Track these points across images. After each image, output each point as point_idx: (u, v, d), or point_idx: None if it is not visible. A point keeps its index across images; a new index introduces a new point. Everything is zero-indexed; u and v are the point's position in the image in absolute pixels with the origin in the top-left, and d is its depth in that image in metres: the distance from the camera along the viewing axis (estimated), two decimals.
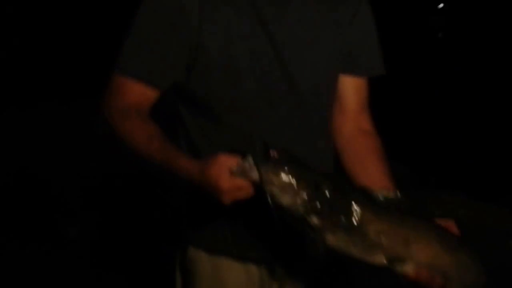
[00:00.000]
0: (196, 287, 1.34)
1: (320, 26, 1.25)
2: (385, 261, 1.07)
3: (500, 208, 3.00)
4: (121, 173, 4.11)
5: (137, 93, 1.23)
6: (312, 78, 1.25)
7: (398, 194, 1.12)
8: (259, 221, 1.22)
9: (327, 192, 1.04)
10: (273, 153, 1.04)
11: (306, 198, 1.02)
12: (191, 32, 1.19)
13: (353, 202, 1.06)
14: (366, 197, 1.09)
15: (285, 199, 1.03)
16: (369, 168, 1.28)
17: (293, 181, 1.03)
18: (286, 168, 1.04)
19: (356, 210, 1.05)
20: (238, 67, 1.21)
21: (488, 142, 4.45)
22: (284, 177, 1.03)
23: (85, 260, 3.01)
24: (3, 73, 7.25)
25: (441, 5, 10.79)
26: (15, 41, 7.88)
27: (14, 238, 3.31)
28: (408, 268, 1.08)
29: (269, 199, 1.03)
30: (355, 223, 1.04)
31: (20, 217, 3.60)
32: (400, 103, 5.58)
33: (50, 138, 5.18)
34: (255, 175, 1.03)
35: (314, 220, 1.03)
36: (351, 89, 1.32)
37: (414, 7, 10.04)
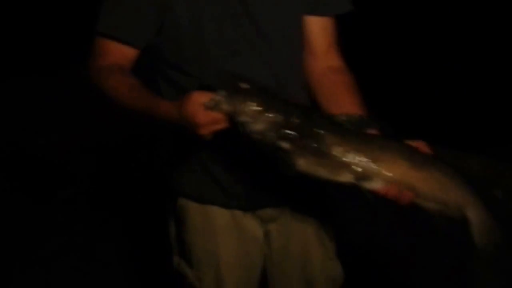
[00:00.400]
0: (188, 234, 1.44)
1: None
2: (352, 180, 1.13)
3: (485, 158, 3.05)
4: (110, 137, 4.15)
5: (117, 52, 1.33)
6: (279, 22, 1.31)
7: (363, 117, 1.18)
8: (242, 167, 1.32)
9: (296, 119, 1.10)
10: (243, 85, 1.10)
11: (277, 125, 1.08)
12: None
13: (320, 126, 1.12)
14: (333, 122, 1.16)
15: (257, 127, 1.09)
16: (341, 101, 1.33)
17: (264, 109, 1.08)
18: (256, 97, 1.10)
19: (323, 134, 1.11)
20: (208, 23, 1.28)
21: (472, 96, 4.51)
22: (255, 106, 1.09)
23: (79, 219, 3.07)
24: None
25: None
26: None
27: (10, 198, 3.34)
28: (375, 185, 1.14)
29: (241, 127, 1.10)
30: (323, 145, 1.10)
31: (14, 180, 3.64)
32: (384, 60, 5.60)
33: (36, 108, 5.19)
34: (227, 106, 1.09)
35: (285, 145, 1.09)
36: (318, 29, 1.37)
37: None
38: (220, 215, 1.42)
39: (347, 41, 1.45)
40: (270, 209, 1.44)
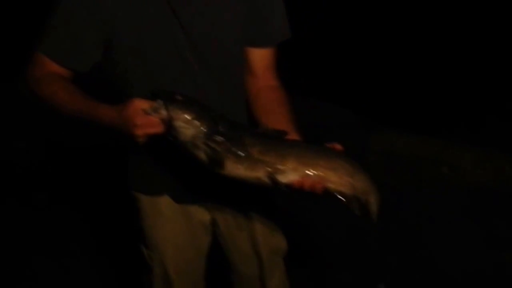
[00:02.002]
0: (142, 222, 1.61)
1: (224, 6, 1.41)
2: (267, 175, 1.27)
3: (435, 139, 3.26)
4: (80, 141, 4.19)
5: (56, 68, 1.40)
6: (218, 51, 1.43)
7: (278, 131, 1.33)
8: (180, 164, 1.42)
9: (221, 126, 1.26)
10: (178, 97, 1.25)
11: (205, 131, 1.24)
12: (105, 20, 1.35)
13: (241, 132, 1.29)
14: (253, 131, 1.33)
15: (189, 132, 1.24)
16: (274, 115, 1.45)
17: (195, 117, 1.24)
18: (189, 107, 1.25)
19: (243, 138, 1.27)
20: (148, 48, 1.38)
21: (428, 83, 4.72)
22: (188, 114, 1.24)
23: (53, 222, 3.16)
24: None
25: None
26: None
27: None
28: (287, 178, 1.27)
29: (175, 132, 1.24)
30: (242, 147, 1.26)
31: None
32: (352, 52, 5.75)
33: (9, 112, 5.18)
34: (164, 112, 1.23)
35: (212, 147, 1.25)
36: (258, 55, 1.50)
37: None
38: (167, 204, 1.56)
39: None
40: (210, 199, 1.58)
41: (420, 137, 3.36)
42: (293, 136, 1.39)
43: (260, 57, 1.51)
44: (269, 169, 1.27)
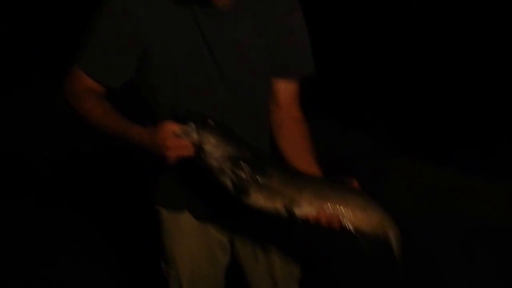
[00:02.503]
0: (163, 235, 1.64)
1: (252, 36, 1.44)
2: (284, 206, 1.31)
3: (455, 170, 3.26)
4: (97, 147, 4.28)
5: (93, 84, 1.46)
6: (244, 77, 1.47)
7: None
8: (205, 185, 1.46)
9: (248, 153, 1.31)
10: (210, 122, 1.30)
11: (233, 157, 1.29)
12: (138, 39, 1.40)
13: (264, 162, 1.33)
14: (275, 160, 1.39)
15: (217, 156, 1.29)
16: (296, 146, 1.51)
17: (224, 142, 1.29)
18: (219, 132, 1.30)
19: (266, 167, 1.32)
20: (179, 72, 1.42)
21: (449, 113, 4.72)
22: (217, 139, 1.29)
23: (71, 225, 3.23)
24: None
25: None
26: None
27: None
28: (302, 211, 1.31)
29: (204, 155, 1.29)
30: (263, 176, 1.31)
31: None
32: (370, 76, 5.78)
33: (26, 118, 5.31)
34: (195, 136, 1.28)
35: (238, 173, 1.29)
36: (283, 88, 1.54)
37: None
38: (187, 220, 1.60)
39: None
40: (230, 220, 1.60)
41: (440, 166, 3.36)
42: (314, 169, 1.44)
43: (284, 89, 1.55)
44: (286, 201, 1.31)
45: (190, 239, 1.62)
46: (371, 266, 2.56)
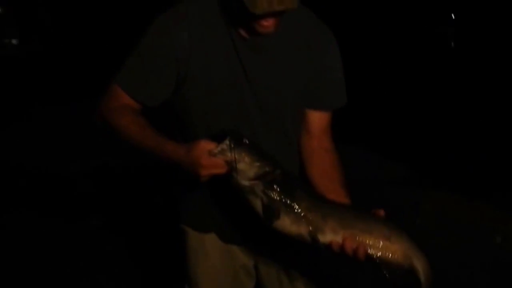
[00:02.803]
0: (187, 257, 1.64)
1: (287, 67, 1.46)
2: (309, 232, 1.31)
3: (488, 205, 3.20)
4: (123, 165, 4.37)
5: (130, 102, 1.47)
6: (277, 106, 1.49)
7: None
8: (234, 206, 1.47)
9: (279, 176, 1.31)
10: (246, 141, 1.31)
11: (266, 178, 1.29)
12: (180, 63, 1.43)
13: (294, 185, 1.33)
14: (304, 186, 1.38)
15: (250, 176, 1.29)
16: (327, 178, 1.51)
17: (258, 163, 1.30)
18: (254, 152, 1.31)
19: (296, 191, 1.32)
20: (216, 94, 1.45)
21: (486, 147, 4.65)
22: (252, 158, 1.30)
23: (104, 243, 3.28)
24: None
25: (453, 16, 10.90)
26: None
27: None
28: (326, 238, 1.31)
29: (237, 175, 1.29)
30: (292, 200, 1.31)
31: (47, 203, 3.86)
32: (410, 108, 5.76)
33: (67, 134, 5.47)
34: (229, 154, 1.28)
35: (270, 194, 1.29)
36: (315, 117, 1.55)
37: (427, 18, 10.12)
38: (213, 242, 1.59)
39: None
40: (255, 245, 1.60)
41: (474, 201, 3.29)
42: (342, 198, 1.44)
43: (317, 119, 1.56)
44: (311, 227, 1.31)
45: (215, 261, 1.61)
46: None
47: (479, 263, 2.81)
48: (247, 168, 1.29)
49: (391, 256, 1.30)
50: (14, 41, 14.43)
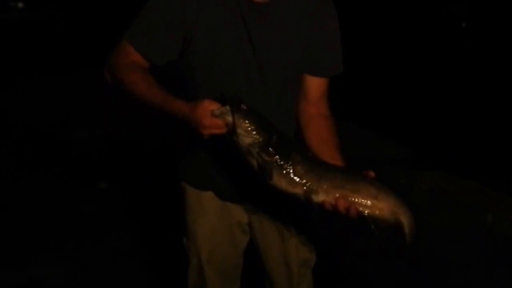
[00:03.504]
0: (185, 211, 1.74)
1: (289, 33, 1.54)
2: (302, 192, 1.41)
3: (481, 186, 3.29)
4: (139, 133, 4.46)
5: (139, 59, 1.54)
6: (278, 70, 1.57)
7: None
8: (232, 166, 1.57)
9: (275, 140, 1.40)
10: (244, 106, 1.39)
11: (261, 141, 1.39)
12: (188, 25, 1.50)
13: (291, 149, 1.42)
14: (300, 149, 1.46)
15: (247, 140, 1.39)
16: (322, 141, 1.61)
17: (255, 127, 1.38)
18: (252, 117, 1.39)
19: (291, 155, 1.41)
20: (221, 58, 1.53)
21: (483, 131, 4.72)
22: (249, 123, 1.38)
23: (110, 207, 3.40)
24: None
25: None
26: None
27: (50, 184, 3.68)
28: (319, 198, 1.41)
29: (235, 137, 1.38)
30: (288, 163, 1.40)
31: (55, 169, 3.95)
32: (412, 90, 5.81)
33: (78, 101, 5.53)
34: (229, 118, 1.37)
35: (264, 157, 1.38)
36: (313, 84, 1.64)
37: None
38: (210, 199, 1.69)
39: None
40: (252, 203, 1.71)
41: (468, 181, 3.38)
42: (337, 162, 1.53)
43: (315, 85, 1.65)
44: (305, 188, 1.41)
45: (212, 218, 1.70)
46: (386, 258, 2.63)
47: (470, 240, 2.91)
48: (245, 132, 1.38)
49: (379, 213, 1.40)
50: (20, 5, 14.25)
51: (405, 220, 1.42)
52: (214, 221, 1.71)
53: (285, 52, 1.57)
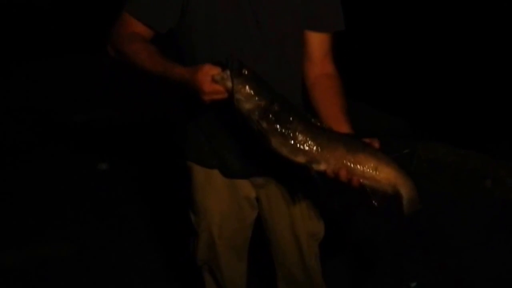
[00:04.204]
0: (193, 190, 1.74)
1: None
2: (304, 161, 1.40)
3: (480, 154, 3.31)
4: (140, 115, 4.44)
5: (140, 29, 1.55)
6: (278, 28, 1.56)
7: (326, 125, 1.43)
8: (235, 142, 1.56)
9: (276, 107, 1.37)
10: (245, 71, 1.35)
11: (261, 108, 1.36)
12: None
13: (292, 116, 1.39)
14: (303, 116, 1.42)
15: (247, 106, 1.36)
16: (328, 102, 1.57)
17: (255, 94, 1.35)
18: (252, 83, 1.35)
19: (293, 122, 1.39)
20: (219, 18, 1.52)
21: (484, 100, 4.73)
22: (249, 89, 1.35)
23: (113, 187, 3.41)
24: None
25: None
26: None
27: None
28: (321, 167, 1.40)
29: (235, 103, 1.35)
30: (289, 131, 1.38)
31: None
32: (406, 66, 5.79)
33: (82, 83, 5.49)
34: (229, 84, 1.34)
35: (264, 124, 1.36)
36: (315, 41, 1.61)
37: None
38: (217, 177, 1.69)
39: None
40: (259, 178, 1.69)
41: (467, 150, 3.40)
42: (343, 125, 1.50)
43: (317, 42, 1.61)
44: (307, 158, 1.39)
45: (220, 194, 1.71)
46: (389, 239, 2.66)
47: (470, 206, 2.94)
48: (245, 98, 1.35)
49: (378, 184, 1.39)
50: None
51: (404, 192, 1.41)
52: (223, 198, 1.71)
53: (283, 7, 1.55)
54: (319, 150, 1.39)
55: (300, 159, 1.40)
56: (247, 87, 1.35)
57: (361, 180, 1.40)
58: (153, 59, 1.47)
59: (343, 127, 1.51)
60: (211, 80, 1.35)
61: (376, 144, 1.43)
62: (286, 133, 1.38)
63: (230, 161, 1.66)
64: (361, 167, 1.39)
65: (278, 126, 1.37)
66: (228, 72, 1.34)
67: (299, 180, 1.62)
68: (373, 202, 1.41)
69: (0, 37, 7.31)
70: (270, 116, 1.37)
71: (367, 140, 1.43)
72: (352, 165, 1.39)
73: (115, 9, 1.65)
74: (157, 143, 3.80)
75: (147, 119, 4.39)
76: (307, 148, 1.39)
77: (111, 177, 3.53)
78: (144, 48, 1.50)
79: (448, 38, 6.33)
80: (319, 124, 1.44)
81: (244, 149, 1.59)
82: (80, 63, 5.90)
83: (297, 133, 1.38)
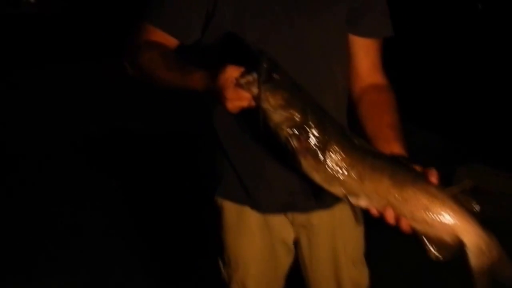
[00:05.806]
0: (222, 232, 1.50)
1: None
2: (340, 193, 1.15)
3: None
4: (158, 129, 4.28)
5: (161, 38, 1.36)
6: (318, 38, 1.35)
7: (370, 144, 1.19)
8: (270, 172, 1.36)
9: (311, 121, 1.13)
10: (276, 76, 1.11)
11: (292, 122, 1.11)
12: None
13: (329, 135, 1.14)
14: (343, 135, 1.16)
15: (275, 118, 1.12)
16: (377, 119, 1.34)
17: (286, 104, 1.11)
18: (282, 91, 1.11)
19: (329, 142, 1.13)
20: (246, 24, 1.31)
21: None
22: (279, 98, 1.11)
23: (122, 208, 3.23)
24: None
25: None
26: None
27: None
28: (361, 202, 1.14)
29: (260, 114, 1.12)
30: (324, 153, 1.13)
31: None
32: (439, 76, 5.60)
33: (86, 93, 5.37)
34: (255, 90, 1.11)
35: (294, 143, 1.12)
36: (361, 49, 1.42)
37: None
38: (251, 216, 1.46)
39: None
40: (299, 214, 1.47)
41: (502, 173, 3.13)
42: (394, 146, 1.27)
43: (364, 50, 1.42)
44: (344, 188, 1.14)
45: (254, 238, 1.48)
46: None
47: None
48: (273, 109, 1.11)
49: (432, 229, 1.10)
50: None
51: (468, 241, 1.10)
52: (257, 242, 1.48)
53: (323, 13, 1.35)
54: (359, 181, 1.13)
55: (336, 190, 1.15)
56: (275, 95, 1.11)
57: (412, 224, 1.12)
58: (169, 64, 1.29)
59: (394, 149, 1.27)
60: (235, 84, 1.12)
61: (433, 177, 1.14)
62: (319, 156, 1.13)
63: (265, 190, 1.43)
64: (409, 206, 1.12)
65: (311, 146, 1.13)
66: (255, 75, 1.10)
67: (344, 220, 1.41)
68: (432, 252, 1.11)
69: (14, 46, 7.37)
70: (303, 132, 1.12)
71: (418, 168, 1.16)
72: (398, 203, 1.12)
73: (126, 22, 1.45)
74: (170, 158, 3.68)
75: (163, 131, 4.26)
76: (344, 177, 1.13)
77: (121, 195, 3.40)
78: (161, 53, 1.32)
79: (489, 50, 6.09)
80: (364, 146, 1.18)
81: (279, 174, 1.36)
82: (96, 69, 5.86)
83: (333, 157, 1.13)
